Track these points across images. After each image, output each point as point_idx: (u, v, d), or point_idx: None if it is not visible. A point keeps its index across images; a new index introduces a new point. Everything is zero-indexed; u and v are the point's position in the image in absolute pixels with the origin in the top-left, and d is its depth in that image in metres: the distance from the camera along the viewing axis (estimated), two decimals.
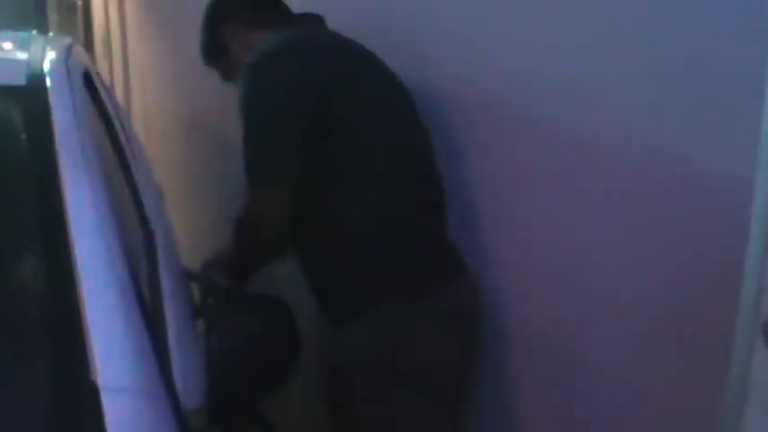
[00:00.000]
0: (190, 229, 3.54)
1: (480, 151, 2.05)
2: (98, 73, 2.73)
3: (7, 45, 2.35)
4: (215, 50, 2.21)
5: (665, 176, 1.56)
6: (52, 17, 5.95)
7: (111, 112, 2.34)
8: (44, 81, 1.66)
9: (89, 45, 5.77)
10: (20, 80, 1.65)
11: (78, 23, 5.87)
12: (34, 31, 5.66)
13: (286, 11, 2.18)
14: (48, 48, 1.92)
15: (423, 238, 2.02)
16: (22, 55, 1.84)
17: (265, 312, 1.52)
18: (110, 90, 2.97)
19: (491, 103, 1.97)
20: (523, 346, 2.00)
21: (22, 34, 2.74)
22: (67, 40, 2.30)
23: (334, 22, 2.17)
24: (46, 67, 1.74)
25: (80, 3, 5.72)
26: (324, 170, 1.92)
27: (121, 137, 2.29)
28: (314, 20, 2.15)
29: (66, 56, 1.92)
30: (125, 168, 2.12)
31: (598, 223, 1.73)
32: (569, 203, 1.79)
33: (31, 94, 1.61)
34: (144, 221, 1.97)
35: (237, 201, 2.04)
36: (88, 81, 2.10)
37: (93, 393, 1.16)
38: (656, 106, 1.56)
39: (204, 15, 2.23)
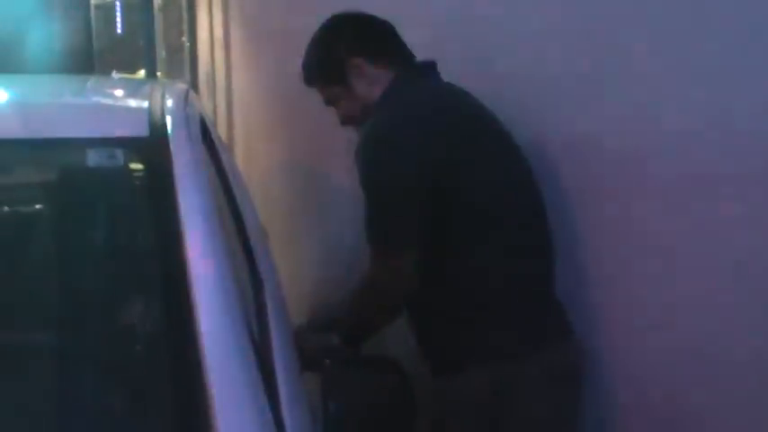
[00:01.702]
0: (291, 272, 3.56)
1: (590, 210, 2.01)
2: (208, 116, 2.78)
3: (122, 92, 2.41)
4: (329, 75, 2.16)
5: None
6: (160, 56, 6.12)
7: (223, 156, 2.37)
8: (166, 132, 1.69)
9: (194, 84, 5.91)
10: (143, 131, 1.68)
11: (185, 63, 6.02)
12: (142, 71, 5.86)
13: (406, 50, 2.17)
14: (166, 96, 1.95)
15: (531, 298, 2.00)
16: (142, 104, 1.87)
17: (383, 381, 1.49)
18: (217, 133, 3.01)
19: (606, 159, 1.93)
20: (629, 410, 1.95)
21: (135, 80, 2.80)
22: (183, 86, 2.34)
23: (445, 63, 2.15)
24: (167, 116, 1.77)
25: (188, 43, 5.87)
26: (439, 236, 1.92)
27: (232, 181, 2.32)
28: (429, 67, 2.14)
29: (184, 104, 1.95)
30: (236, 214, 2.15)
31: (714, 282, 1.67)
32: (687, 262, 1.74)
33: (154, 145, 1.64)
34: (253, 270, 1.98)
35: (341, 246, 2.05)
36: (203, 127, 2.13)
37: None
38: None
39: (325, 37, 2.19)
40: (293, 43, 4.15)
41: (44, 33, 5.52)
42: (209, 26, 5.70)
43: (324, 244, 3.72)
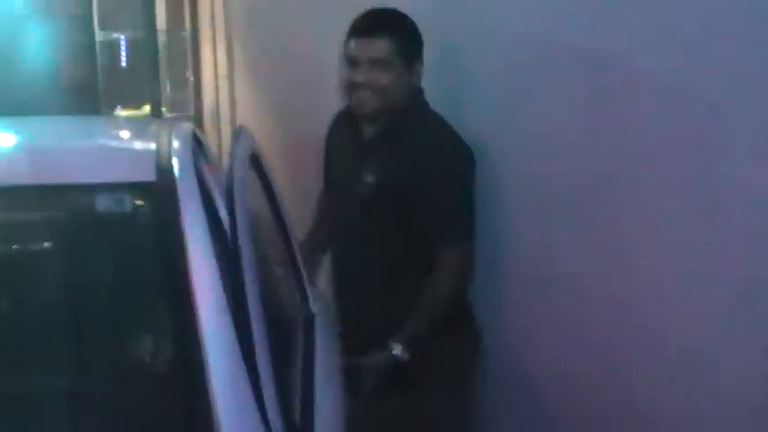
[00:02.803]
0: None
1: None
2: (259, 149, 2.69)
3: (129, 134, 2.40)
4: (408, 48, 2.26)
5: None
6: (165, 91, 6.15)
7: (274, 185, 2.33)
8: (173, 175, 1.68)
9: (199, 119, 5.93)
10: (150, 175, 1.68)
11: (189, 99, 6.05)
12: (147, 107, 5.87)
13: None
14: (173, 138, 1.93)
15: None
16: (149, 147, 1.86)
17: None
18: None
19: (538, 150, 2.14)
20: (523, 392, 2.23)
21: (141, 120, 2.76)
22: (188, 127, 2.32)
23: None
24: (174, 159, 1.76)
25: (192, 79, 5.91)
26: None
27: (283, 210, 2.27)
28: None
29: (191, 146, 1.94)
30: (288, 245, 2.11)
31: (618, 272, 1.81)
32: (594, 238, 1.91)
33: (162, 189, 1.63)
34: (304, 297, 1.97)
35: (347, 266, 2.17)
36: (255, 161, 2.10)
37: None
38: None
39: (416, 27, 2.29)
40: (297, 79, 4.15)
41: (49, 70, 5.55)
42: (213, 62, 5.74)
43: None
